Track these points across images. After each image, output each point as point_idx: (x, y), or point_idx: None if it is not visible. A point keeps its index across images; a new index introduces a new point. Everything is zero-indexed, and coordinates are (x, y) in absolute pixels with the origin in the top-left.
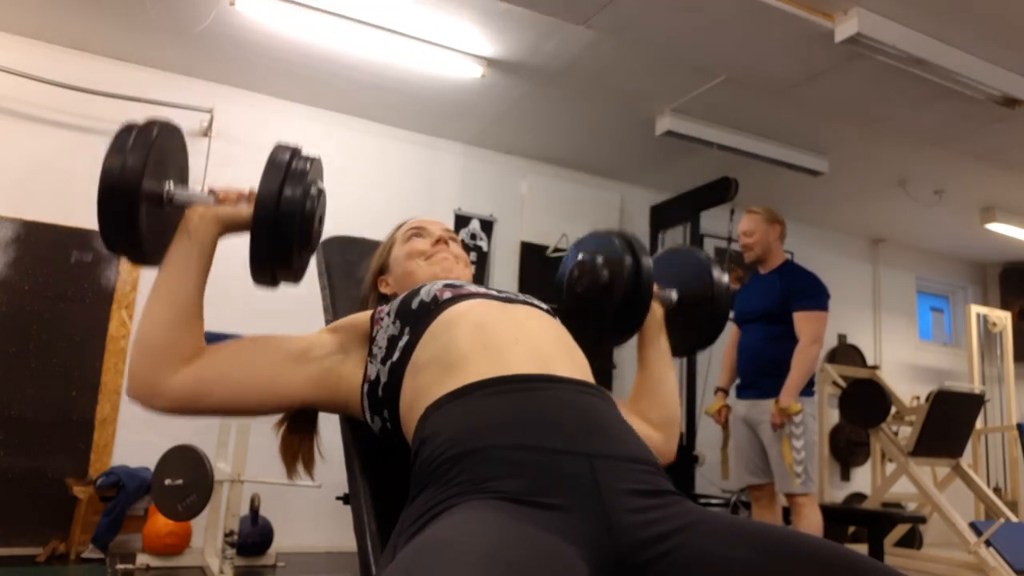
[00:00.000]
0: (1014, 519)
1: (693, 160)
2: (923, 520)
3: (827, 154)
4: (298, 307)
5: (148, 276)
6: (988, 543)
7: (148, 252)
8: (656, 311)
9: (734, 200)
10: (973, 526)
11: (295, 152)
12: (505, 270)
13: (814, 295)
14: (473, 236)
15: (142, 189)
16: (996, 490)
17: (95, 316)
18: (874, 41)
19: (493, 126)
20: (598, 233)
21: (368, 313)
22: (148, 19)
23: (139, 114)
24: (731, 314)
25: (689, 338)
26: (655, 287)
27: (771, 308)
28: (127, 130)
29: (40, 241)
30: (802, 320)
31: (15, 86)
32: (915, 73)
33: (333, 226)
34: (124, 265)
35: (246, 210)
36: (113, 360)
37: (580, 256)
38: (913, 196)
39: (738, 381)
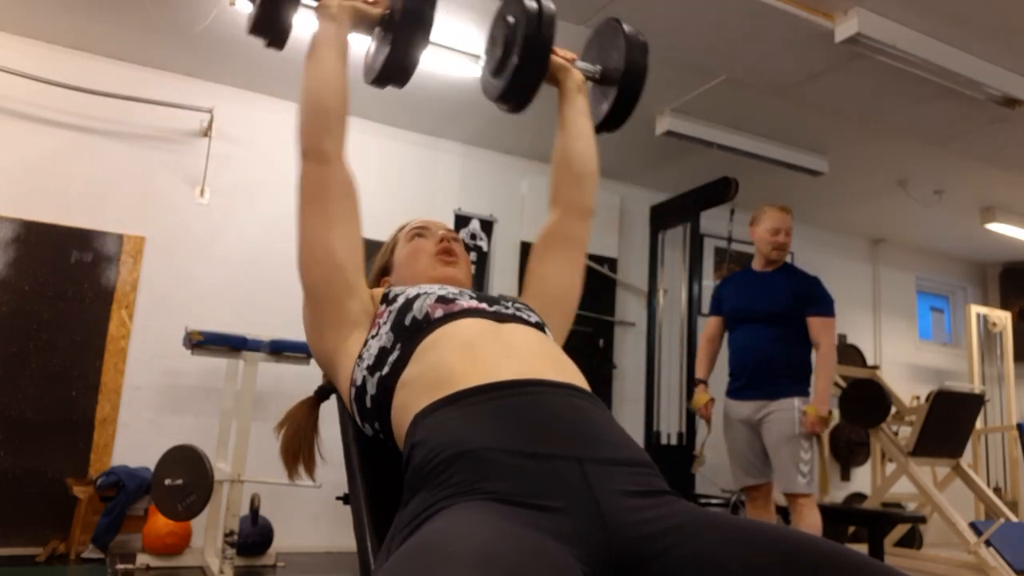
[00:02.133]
0: (1014, 519)
1: (693, 160)
2: (923, 520)
3: (827, 154)
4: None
5: (148, 276)
6: (988, 543)
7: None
8: (575, 74)
9: (734, 200)
10: (973, 526)
11: None
12: (505, 270)
13: (827, 301)
14: (473, 236)
15: None
16: (996, 490)
17: (95, 316)
18: (874, 41)
19: (493, 126)
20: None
21: (381, 295)
22: (148, 19)
23: (139, 114)
24: (708, 308)
25: (604, 110)
26: (573, 54)
27: (776, 309)
28: None
29: (40, 241)
30: (820, 326)
31: (15, 86)
32: (915, 73)
33: None
34: (124, 265)
35: (375, 9)
36: (113, 360)
37: (496, 20)
38: (913, 196)
39: (732, 381)
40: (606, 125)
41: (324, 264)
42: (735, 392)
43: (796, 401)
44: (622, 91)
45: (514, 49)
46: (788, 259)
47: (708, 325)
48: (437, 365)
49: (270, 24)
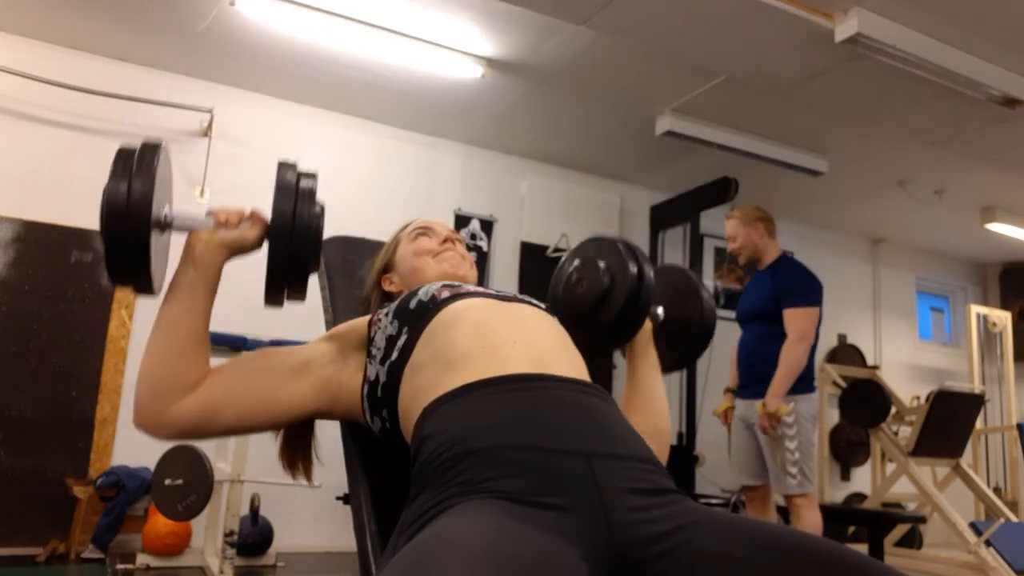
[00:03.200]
0: (1014, 519)
1: (693, 160)
2: (923, 520)
3: (827, 154)
4: (297, 307)
5: None
6: (988, 543)
7: (154, 281)
8: (646, 325)
9: (734, 200)
10: (973, 526)
11: (299, 172)
12: (505, 270)
13: (802, 291)
14: (473, 236)
15: (152, 218)
16: (996, 490)
17: (95, 316)
18: (874, 41)
19: (493, 126)
20: (600, 238)
21: (366, 319)
22: (148, 19)
23: (139, 114)
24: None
25: (671, 356)
26: None
27: (763, 307)
28: (125, 155)
29: (40, 241)
30: (790, 317)
31: (15, 86)
32: (915, 73)
33: (332, 226)
34: None
35: (251, 233)
36: (113, 360)
37: (581, 260)
38: (913, 196)
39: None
40: (671, 369)
41: (279, 417)
42: (737, 392)
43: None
44: (695, 338)
45: (609, 307)
46: (784, 253)
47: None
48: (447, 346)
49: (125, 270)
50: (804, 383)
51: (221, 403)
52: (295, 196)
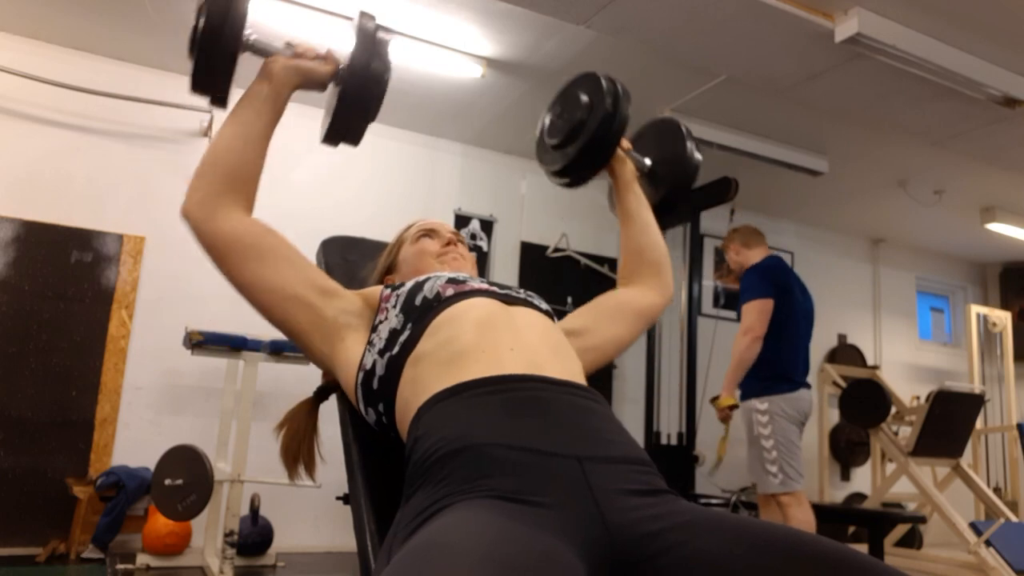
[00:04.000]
0: (1014, 519)
1: None
2: (923, 520)
3: (827, 154)
4: None
5: (148, 276)
6: (988, 543)
7: (229, 93)
8: (628, 165)
9: (734, 200)
10: (973, 526)
11: (378, 24)
12: (505, 270)
13: (747, 288)
14: (473, 236)
15: (243, 34)
16: (996, 490)
17: (95, 316)
18: (874, 41)
19: (493, 126)
20: (586, 74)
21: (379, 290)
22: (148, 19)
23: (139, 114)
24: None
25: (656, 196)
26: (628, 144)
27: (738, 311)
28: None
29: (40, 241)
30: (742, 314)
31: (15, 86)
32: (915, 73)
33: (333, 226)
34: (124, 265)
35: (324, 67)
36: (113, 360)
37: (564, 95)
38: (913, 196)
39: None
40: (657, 211)
41: (276, 305)
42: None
43: (754, 401)
44: (671, 191)
45: (582, 135)
46: (767, 255)
47: None
48: (449, 342)
49: (210, 81)
50: (780, 382)
51: (261, 248)
52: (373, 45)
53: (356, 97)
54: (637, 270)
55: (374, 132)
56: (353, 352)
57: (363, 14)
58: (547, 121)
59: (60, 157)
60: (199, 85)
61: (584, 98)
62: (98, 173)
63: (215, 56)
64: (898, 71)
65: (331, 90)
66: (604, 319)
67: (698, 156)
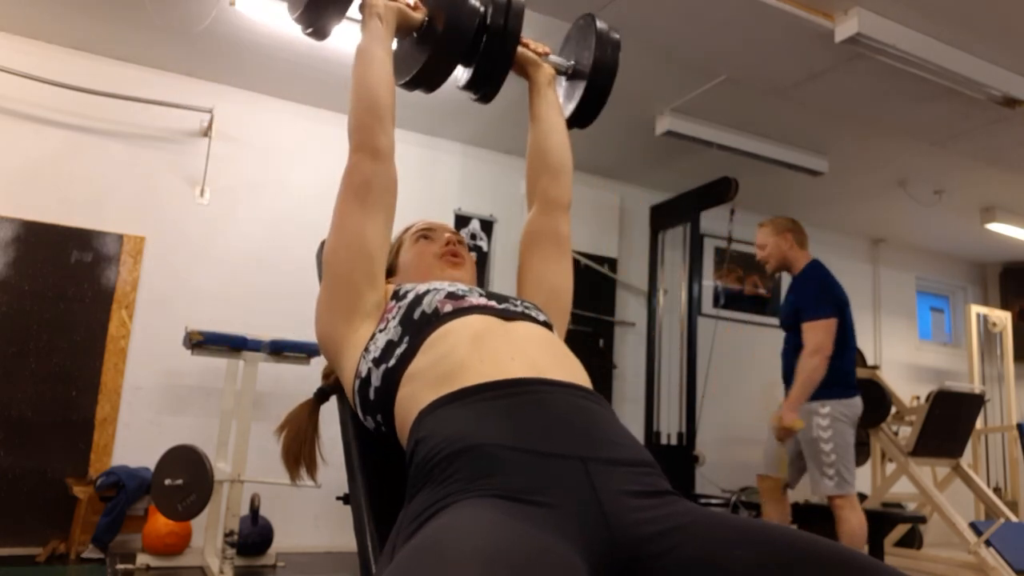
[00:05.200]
0: (1014, 519)
1: (693, 160)
2: (923, 520)
3: (827, 154)
4: (296, 307)
5: (148, 276)
6: (988, 543)
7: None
8: (545, 69)
9: (734, 200)
10: (973, 526)
11: None
12: (505, 270)
13: (815, 304)
14: (473, 236)
15: None
16: (996, 490)
17: (95, 316)
18: (874, 41)
19: (493, 126)
20: None
21: (391, 292)
22: (148, 19)
23: (139, 114)
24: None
25: (572, 106)
26: (545, 48)
27: (785, 319)
28: None
29: (40, 241)
30: (805, 331)
31: (15, 86)
32: (915, 73)
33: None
34: (124, 265)
35: (417, 14)
36: (113, 360)
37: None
38: (913, 196)
39: None
40: (575, 121)
41: (354, 250)
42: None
43: (815, 405)
44: (591, 87)
45: (480, 39)
46: (811, 261)
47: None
48: (445, 358)
49: (318, 15)
50: (840, 388)
51: (378, 193)
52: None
53: (441, 48)
54: (538, 175)
55: None
56: (360, 346)
57: None
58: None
59: (60, 157)
60: (312, 16)
61: (477, 4)
62: (98, 173)
63: None
64: (898, 71)
65: (414, 38)
66: (540, 271)
67: (612, 56)
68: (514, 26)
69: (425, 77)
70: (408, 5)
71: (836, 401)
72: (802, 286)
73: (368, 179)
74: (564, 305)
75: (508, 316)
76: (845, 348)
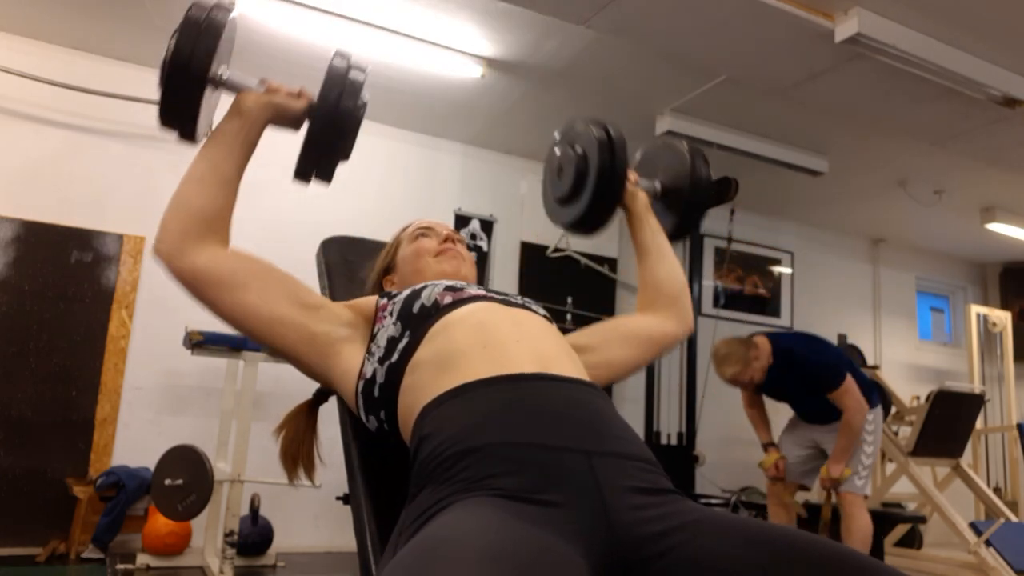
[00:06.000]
0: (1014, 519)
1: None
2: (923, 520)
3: (827, 154)
4: None
5: (148, 277)
6: (988, 543)
7: (198, 129)
8: (641, 196)
9: (734, 200)
10: (973, 526)
11: (351, 63)
12: (505, 270)
13: (831, 375)
14: (473, 236)
15: (210, 69)
16: (996, 490)
17: (95, 316)
18: (874, 41)
19: (493, 126)
20: (572, 124)
21: (374, 299)
22: (148, 19)
23: (139, 114)
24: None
25: (670, 222)
26: (635, 176)
27: (799, 393)
28: (199, 6)
29: (40, 241)
30: (837, 398)
31: (15, 86)
32: (915, 73)
33: (333, 226)
34: (124, 265)
35: (297, 104)
36: (113, 360)
37: (560, 150)
38: (913, 196)
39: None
40: (673, 238)
41: (263, 329)
42: (803, 418)
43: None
44: (690, 204)
45: (588, 181)
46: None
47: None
48: (448, 347)
49: (176, 114)
50: (874, 396)
51: (240, 277)
52: (343, 84)
53: (325, 134)
54: (655, 301)
55: (374, 132)
56: (350, 363)
57: (337, 53)
58: (548, 179)
59: (60, 157)
60: (166, 119)
61: (578, 149)
62: (98, 173)
63: (181, 90)
64: (898, 71)
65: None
66: (616, 339)
67: (705, 169)
68: (622, 165)
69: (308, 169)
70: (290, 94)
71: (876, 409)
72: (802, 367)
73: (208, 277)
74: (609, 376)
75: (509, 304)
76: (866, 383)
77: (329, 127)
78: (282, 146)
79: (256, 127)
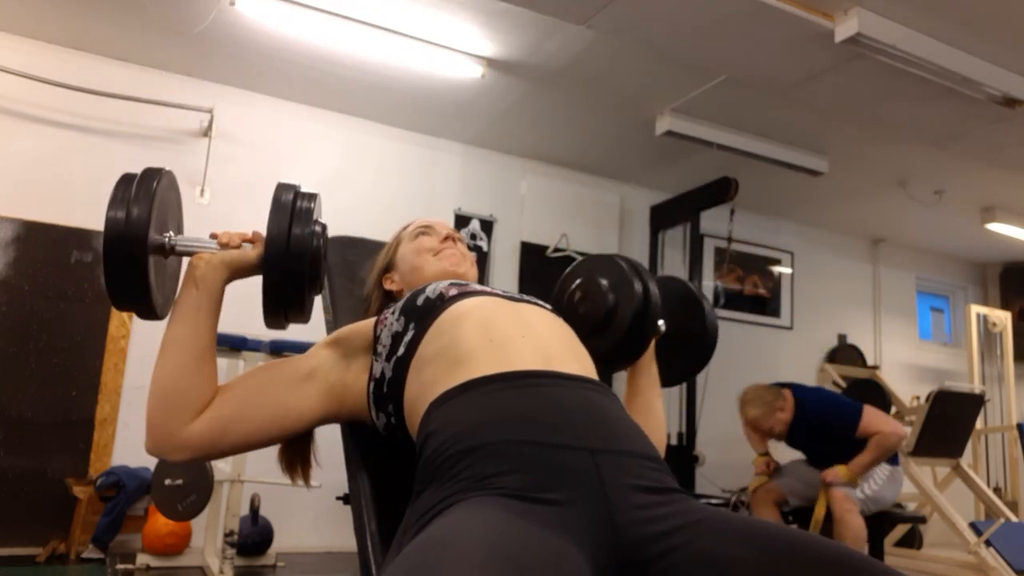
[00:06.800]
0: (1014, 519)
1: (693, 160)
2: (923, 520)
3: (827, 154)
4: None
5: None
6: (988, 543)
7: (156, 305)
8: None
9: (734, 200)
10: (973, 526)
11: (297, 192)
12: (505, 270)
13: (848, 412)
14: (473, 236)
15: (149, 241)
16: (996, 490)
17: (95, 316)
18: (874, 41)
19: (493, 126)
20: (602, 257)
21: (370, 322)
22: (148, 19)
23: (139, 114)
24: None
25: (674, 368)
26: None
27: (815, 443)
28: (126, 181)
29: (40, 241)
30: (865, 427)
31: (15, 86)
32: (915, 73)
33: (333, 226)
34: None
35: (252, 252)
36: (113, 360)
37: (583, 279)
38: (913, 196)
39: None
40: (666, 382)
41: (282, 433)
42: (815, 463)
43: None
44: (700, 350)
45: (612, 330)
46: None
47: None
48: (454, 341)
49: (124, 294)
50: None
51: (232, 420)
52: (290, 216)
53: (279, 271)
54: None
55: (374, 132)
56: (358, 383)
57: (280, 186)
58: (565, 301)
59: (60, 157)
60: (116, 301)
61: (606, 283)
62: (98, 173)
63: (122, 269)
64: (898, 71)
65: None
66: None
67: (716, 327)
68: (654, 319)
69: (277, 311)
70: (245, 239)
71: (895, 466)
72: (818, 414)
73: (212, 440)
74: None
75: (514, 299)
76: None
77: (286, 261)
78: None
79: (215, 291)
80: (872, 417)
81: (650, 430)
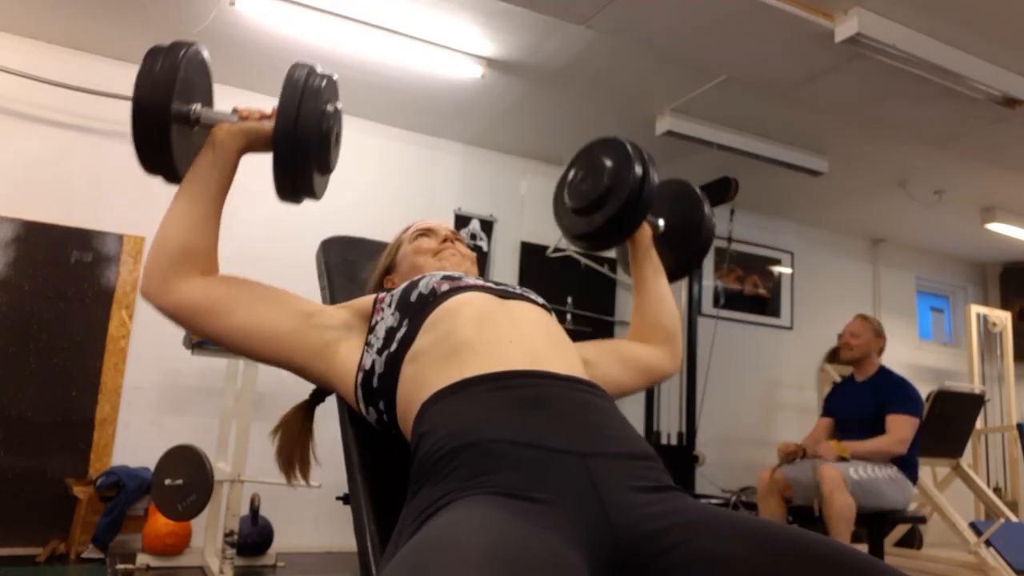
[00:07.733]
0: (1014, 519)
1: (693, 160)
2: (923, 520)
3: (827, 154)
4: None
5: None
6: (988, 543)
7: (182, 171)
8: (646, 230)
9: (734, 200)
10: (973, 526)
11: (311, 70)
12: (505, 270)
13: (909, 401)
14: (473, 236)
15: (171, 111)
16: (996, 490)
17: (95, 316)
18: (874, 41)
19: (493, 126)
20: (607, 139)
21: (372, 297)
22: (148, 19)
23: None
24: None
25: (672, 262)
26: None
27: (866, 415)
28: (154, 53)
29: (40, 241)
30: (893, 422)
31: (15, 86)
32: (915, 73)
33: (333, 226)
34: (124, 265)
35: (267, 124)
36: (113, 360)
37: (587, 157)
38: (913, 196)
39: None
40: (672, 277)
41: (259, 346)
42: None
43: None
44: (696, 244)
45: (609, 204)
46: (883, 366)
47: (818, 425)
48: (447, 337)
49: (151, 158)
50: (912, 472)
51: (225, 302)
52: (302, 91)
53: (287, 145)
54: (651, 337)
55: (374, 132)
56: (348, 360)
57: (295, 64)
58: (568, 181)
59: (60, 157)
60: (145, 165)
61: (609, 164)
62: (98, 173)
63: (148, 133)
64: (898, 71)
65: None
66: (613, 360)
67: (714, 221)
68: (647, 204)
69: (287, 185)
70: (264, 116)
71: (901, 474)
72: (893, 384)
73: (204, 307)
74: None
75: (505, 295)
76: (916, 442)
77: (291, 136)
78: None
79: (230, 157)
80: (900, 423)
81: (664, 315)
